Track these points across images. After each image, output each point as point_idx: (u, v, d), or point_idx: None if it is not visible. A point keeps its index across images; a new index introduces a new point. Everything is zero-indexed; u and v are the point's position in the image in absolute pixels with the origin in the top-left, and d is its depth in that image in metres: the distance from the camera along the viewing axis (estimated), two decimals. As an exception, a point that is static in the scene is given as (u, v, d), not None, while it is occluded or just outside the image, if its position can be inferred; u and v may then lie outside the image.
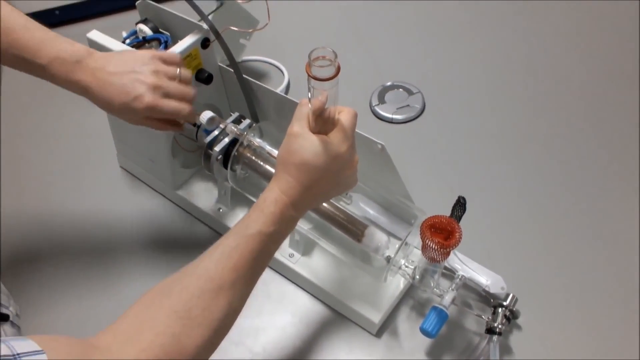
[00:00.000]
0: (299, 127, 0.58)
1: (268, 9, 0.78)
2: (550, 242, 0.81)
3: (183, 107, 0.66)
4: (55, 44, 0.63)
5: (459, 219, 0.64)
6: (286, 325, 0.74)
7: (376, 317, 0.71)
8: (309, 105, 0.58)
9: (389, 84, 0.99)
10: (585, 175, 0.89)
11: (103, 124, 0.88)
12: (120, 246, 0.82)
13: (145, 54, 0.67)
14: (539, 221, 0.84)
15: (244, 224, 0.56)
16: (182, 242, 0.82)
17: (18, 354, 0.40)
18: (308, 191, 0.58)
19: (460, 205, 0.64)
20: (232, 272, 0.53)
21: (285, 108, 0.77)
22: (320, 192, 0.60)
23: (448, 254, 0.62)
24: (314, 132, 0.58)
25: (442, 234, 0.62)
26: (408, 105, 0.96)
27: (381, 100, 0.97)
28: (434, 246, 0.61)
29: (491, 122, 0.95)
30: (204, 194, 0.84)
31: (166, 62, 0.67)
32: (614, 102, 0.98)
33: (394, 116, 0.94)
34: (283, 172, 0.59)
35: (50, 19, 1.13)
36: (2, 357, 0.39)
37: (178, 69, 0.67)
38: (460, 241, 0.61)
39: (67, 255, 0.81)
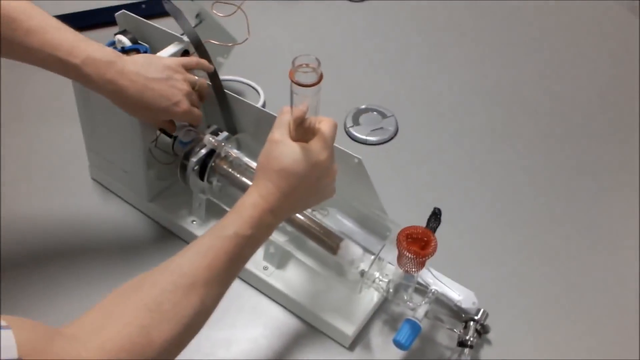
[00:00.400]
0: (280, 134, 0.59)
1: (248, 24, 0.80)
2: (521, 259, 0.84)
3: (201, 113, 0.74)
4: (87, 45, 0.65)
5: (434, 230, 0.65)
6: (258, 337, 0.73)
7: (350, 329, 0.71)
8: (290, 113, 0.59)
9: (363, 107, 1.01)
10: (554, 192, 0.93)
11: (72, 136, 0.88)
12: (90, 257, 0.81)
13: (174, 61, 0.72)
14: (509, 238, 0.86)
15: (221, 225, 0.57)
16: (153, 254, 0.81)
17: None
18: (287, 197, 0.59)
19: (435, 217, 0.65)
20: (205, 271, 0.53)
21: (264, 122, 0.77)
22: (299, 199, 0.61)
23: (423, 263, 0.64)
24: (294, 140, 0.59)
25: (418, 243, 0.63)
26: (382, 128, 0.98)
27: (355, 122, 0.99)
28: (410, 255, 0.62)
29: (461, 143, 0.99)
30: (177, 207, 0.84)
31: (186, 67, 0.73)
32: (586, 125, 1.02)
33: (368, 137, 0.96)
34: (262, 177, 0.59)
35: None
36: None
37: (196, 78, 0.74)
38: (435, 251, 0.62)
39: (35, 265, 0.79)
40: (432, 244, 0.62)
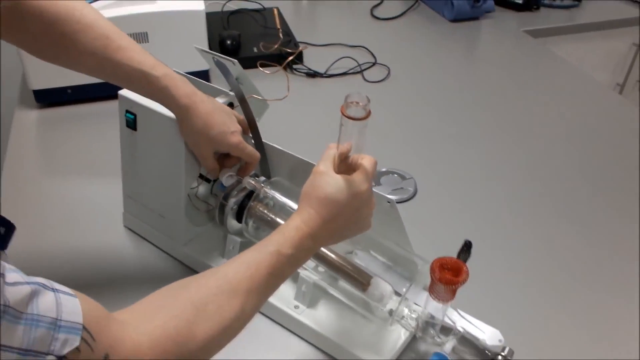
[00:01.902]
0: (325, 166, 0.65)
1: (288, 83, 0.88)
2: (545, 298, 0.87)
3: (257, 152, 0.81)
4: (166, 65, 0.73)
5: (465, 261, 0.69)
6: (290, 374, 0.74)
7: (381, 364, 0.73)
8: (336, 148, 0.65)
9: (383, 169, 1.08)
10: (575, 229, 0.99)
11: (106, 189, 0.93)
12: (122, 301, 0.82)
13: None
14: (533, 277, 0.90)
15: (265, 242, 0.62)
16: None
17: (56, 289, 0.44)
18: (327, 224, 0.64)
19: (466, 249, 0.69)
20: (248, 281, 0.58)
21: (297, 167, 0.83)
22: (338, 228, 0.65)
23: (454, 292, 0.67)
24: (337, 173, 0.65)
25: (450, 273, 0.66)
26: (402, 188, 1.04)
27: (377, 183, 1.05)
28: (442, 283, 0.65)
29: (477, 204, 1.04)
30: (209, 251, 0.87)
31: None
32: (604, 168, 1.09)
33: (389, 196, 1.01)
34: (306, 205, 0.64)
35: (61, 96, 1.22)
36: (40, 282, 0.43)
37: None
38: (467, 279, 0.65)
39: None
40: (464, 272, 0.65)
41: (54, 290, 0.43)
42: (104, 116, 1.19)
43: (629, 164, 1.16)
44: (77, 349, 0.43)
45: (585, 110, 1.35)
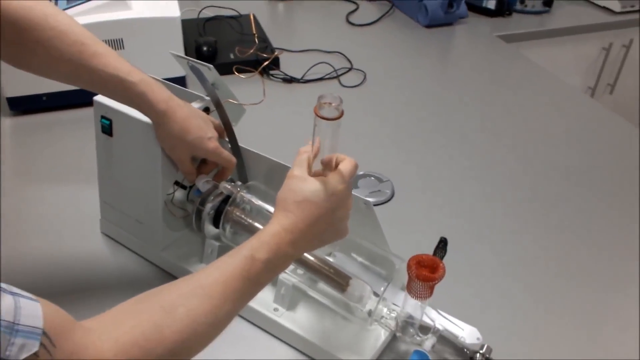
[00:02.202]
0: (299, 170, 0.66)
1: (264, 87, 0.89)
2: (523, 296, 0.88)
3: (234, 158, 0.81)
4: (142, 71, 0.73)
5: (441, 258, 0.70)
6: (270, 376, 0.74)
7: (360, 364, 0.73)
8: (309, 152, 0.66)
9: (361, 172, 1.09)
10: (551, 226, 1.01)
11: (83, 195, 0.93)
12: (100, 306, 0.82)
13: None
14: (511, 276, 0.92)
15: (241, 247, 0.61)
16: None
17: (16, 293, 0.42)
18: (309, 228, 0.63)
19: (442, 246, 0.70)
20: (221, 285, 0.57)
21: (274, 170, 0.84)
22: (318, 232, 0.65)
23: (432, 288, 0.68)
24: (313, 176, 0.65)
25: (427, 269, 0.67)
26: (379, 190, 1.05)
27: (354, 186, 1.05)
28: (419, 280, 0.66)
29: (455, 205, 1.06)
30: (187, 256, 0.87)
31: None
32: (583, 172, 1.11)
33: (367, 199, 1.02)
34: (282, 209, 0.64)
35: (36, 104, 1.20)
36: (2, 287, 0.42)
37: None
38: (443, 276, 0.66)
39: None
40: (441, 269, 0.66)
41: (12, 294, 0.42)
42: (79, 123, 1.19)
43: (601, 163, 1.19)
44: (36, 354, 0.41)
45: (558, 112, 1.38)
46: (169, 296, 0.55)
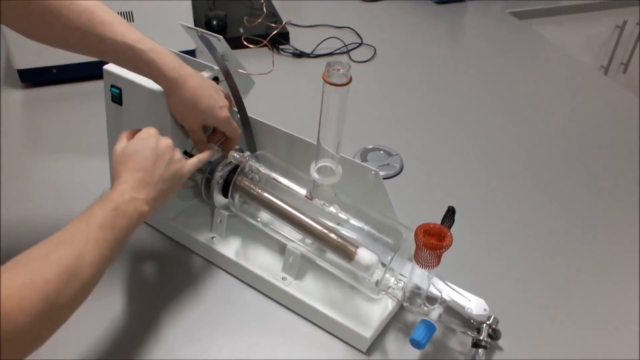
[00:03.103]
0: (118, 145, 0.73)
1: (273, 58, 0.88)
2: (531, 267, 0.88)
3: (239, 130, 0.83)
4: (151, 39, 0.74)
5: (449, 227, 0.69)
6: (277, 345, 0.75)
7: (367, 332, 0.73)
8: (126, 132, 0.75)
9: (370, 146, 1.09)
10: (562, 200, 1.01)
11: (96, 162, 0.93)
12: (107, 275, 0.83)
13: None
14: (519, 248, 0.92)
15: (88, 208, 0.64)
16: (172, 272, 0.84)
17: None
18: (137, 172, 0.68)
19: (450, 215, 0.70)
20: (81, 234, 0.59)
21: (284, 141, 0.84)
22: (147, 168, 0.69)
23: (440, 257, 0.68)
24: None
25: (434, 238, 0.67)
26: (388, 164, 1.05)
27: (364, 159, 1.05)
28: (427, 248, 0.66)
29: (463, 178, 1.05)
30: (196, 225, 0.87)
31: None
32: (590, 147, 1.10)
33: (374, 169, 1.02)
34: (116, 175, 0.70)
35: (47, 76, 1.21)
36: None
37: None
38: (451, 244, 0.66)
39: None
40: (448, 237, 0.66)
41: None
42: (89, 95, 1.19)
43: (614, 142, 1.18)
44: None
45: (571, 89, 1.37)
46: (37, 251, 0.56)
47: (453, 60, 1.46)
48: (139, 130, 0.74)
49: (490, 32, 1.62)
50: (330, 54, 1.39)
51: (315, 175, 0.74)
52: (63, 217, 0.91)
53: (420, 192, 1.01)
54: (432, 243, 0.66)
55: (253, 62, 0.88)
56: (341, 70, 0.62)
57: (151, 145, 0.71)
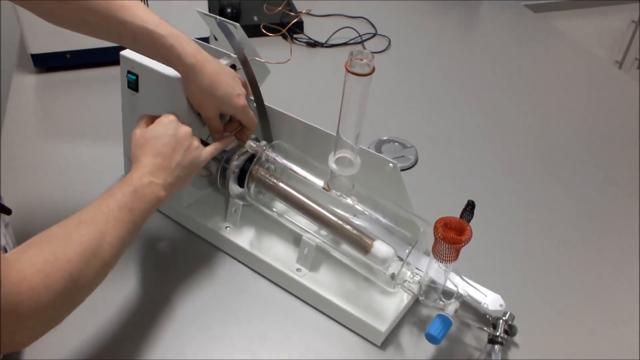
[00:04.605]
0: (138, 129, 0.73)
1: (291, 48, 0.87)
2: (547, 263, 0.87)
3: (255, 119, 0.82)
4: (170, 24, 0.73)
5: (468, 221, 0.69)
6: (290, 334, 0.74)
7: (383, 326, 0.73)
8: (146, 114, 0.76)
9: (385, 138, 1.08)
10: (579, 195, 1.01)
11: (110, 148, 0.93)
12: (123, 264, 0.82)
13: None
14: (536, 243, 0.91)
15: (107, 190, 0.65)
16: (185, 261, 0.84)
17: None
18: (156, 158, 0.69)
19: (469, 209, 0.69)
20: (101, 215, 0.61)
21: (300, 131, 0.83)
22: (166, 154, 0.70)
23: (458, 251, 0.67)
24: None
25: (454, 232, 0.66)
26: (403, 156, 1.04)
27: (378, 151, 1.04)
28: (446, 241, 0.65)
29: (479, 172, 1.05)
30: (210, 214, 0.87)
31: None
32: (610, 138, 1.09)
33: (393, 160, 1.01)
34: (135, 159, 0.70)
35: (60, 61, 1.20)
36: None
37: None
38: (470, 238, 0.65)
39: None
40: (468, 231, 0.65)
41: None
42: (103, 82, 1.18)
43: (633, 137, 1.16)
44: None
45: (585, 83, 1.35)
46: (58, 229, 0.58)
47: (468, 52, 1.45)
48: (158, 116, 0.74)
49: (505, 25, 1.60)
50: (345, 44, 1.38)
51: (334, 166, 0.73)
52: (75, 204, 0.90)
53: (435, 185, 1.01)
54: (451, 237, 0.65)
55: (266, 50, 0.87)
56: (364, 60, 0.61)
57: (170, 132, 0.71)
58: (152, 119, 0.74)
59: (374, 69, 0.61)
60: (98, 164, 0.99)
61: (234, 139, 0.82)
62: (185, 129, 0.73)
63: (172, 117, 0.73)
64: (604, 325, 0.79)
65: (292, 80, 1.20)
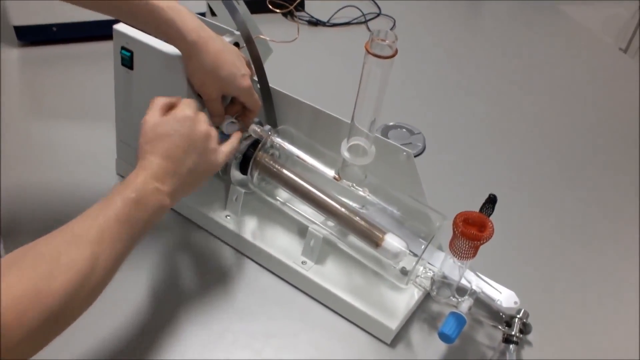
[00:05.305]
0: (150, 115, 0.64)
1: (298, 27, 0.82)
2: (562, 260, 0.85)
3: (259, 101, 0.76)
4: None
5: (488, 216, 0.65)
6: (298, 332, 0.70)
7: (393, 324, 0.69)
8: (162, 98, 0.66)
9: (391, 123, 1.03)
10: (593, 193, 0.97)
11: (101, 135, 0.88)
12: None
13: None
14: (551, 239, 0.88)
15: (109, 194, 0.57)
16: (183, 250, 0.79)
17: None
18: (165, 159, 0.61)
19: (490, 203, 0.65)
20: (97, 231, 0.53)
21: (306, 115, 0.78)
22: (178, 159, 0.62)
23: (477, 249, 0.63)
24: None
25: (474, 228, 0.62)
26: (411, 143, 1.00)
27: (384, 137, 0.99)
28: (466, 237, 0.61)
29: (488, 159, 1.01)
30: (209, 202, 0.82)
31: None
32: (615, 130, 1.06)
33: (407, 150, 0.97)
34: (142, 155, 0.62)
35: (46, 35, 1.13)
36: None
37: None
38: (492, 235, 0.61)
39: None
40: (489, 227, 0.61)
41: None
42: (94, 58, 1.12)
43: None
44: None
45: (594, 68, 1.32)
46: (47, 248, 0.51)
47: (474, 36, 1.40)
48: (175, 100, 0.66)
49: (512, 10, 1.56)
50: (348, 23, 1.33)
51: (346, 155, 0.69)
52: (64, 186, 0.86)
53: (444, 174, 0.97)
54: (472, 233, 0.61)
55: (266, 28, 0.81)
56: (387, 41, 0.56)
57: (185, 131, 0.63)
58: (167, 106, 0.66)
59: (396, 52, 0.57)
60: (88, 145, 0.93)
61: (237, 123, 0.77)
62: (203, 128, 0.65)
63: (189, 112, 0.65)
64: (620, 324, 0.76)
65: (292, 60, 1.14)
